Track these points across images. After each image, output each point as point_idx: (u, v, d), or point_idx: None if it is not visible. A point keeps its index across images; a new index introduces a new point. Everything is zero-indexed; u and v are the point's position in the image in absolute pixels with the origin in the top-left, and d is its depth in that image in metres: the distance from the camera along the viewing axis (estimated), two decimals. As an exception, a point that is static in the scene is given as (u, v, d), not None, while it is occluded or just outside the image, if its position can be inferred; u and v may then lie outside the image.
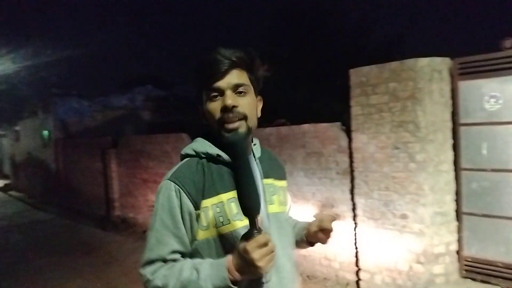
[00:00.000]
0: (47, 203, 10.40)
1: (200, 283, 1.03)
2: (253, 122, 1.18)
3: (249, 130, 1.15)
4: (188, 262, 1.10)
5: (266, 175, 1.24)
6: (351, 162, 3.82)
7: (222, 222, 1.10)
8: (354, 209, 3.84)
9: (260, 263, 0.97)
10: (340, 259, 4.02)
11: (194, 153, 1.20)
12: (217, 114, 1.12)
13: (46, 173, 11.22)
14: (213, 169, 1.16)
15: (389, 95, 3.48)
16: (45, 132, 11.11)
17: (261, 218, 1.11)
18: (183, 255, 1.14)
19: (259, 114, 1.25)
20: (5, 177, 17.00)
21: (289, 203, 1.42)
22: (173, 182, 1.13)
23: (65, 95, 11.25)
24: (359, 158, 3.72)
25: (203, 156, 1.18)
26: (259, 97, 1.25)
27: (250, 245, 0.97)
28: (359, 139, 3.70)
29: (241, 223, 1.10)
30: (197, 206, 1.11)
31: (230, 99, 1.11)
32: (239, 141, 1.07)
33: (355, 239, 3.87)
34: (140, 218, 7.13)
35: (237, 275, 1.02)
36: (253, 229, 0.99)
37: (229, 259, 1.03)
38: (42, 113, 11.57)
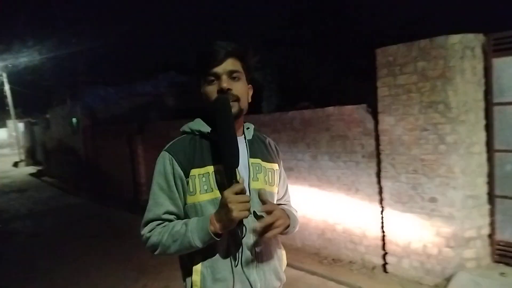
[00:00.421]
0: (78, 188, 10.78)
1: (188, 235, 1.21)
2: (244, 105, 1.34)
3: (240, 111, 1.32)
4: (180, 220, 1.28)
5: (253, 155, 1.39)
6: (378, 145, 3.73)
7: (205, 189, 1.27)
8: (380, 192, 3.77)
9: (233, 206, 1.13)
10: (366, 243, 3.98)
11: (189, 130, 1.38)
12: (214, 96, 1.28)
13: (76, 159, 11.59)
14: (204, 144, 1.33)
15: (417, 74, 3.35)
16: (74, 120, 11.44)
17: (241, 173, 1.26)
18: (177, 216, 1.31)
19: (250, 100, 1.41)
20: (38, 163, 17.70)
21: (282, 186, 1.55)
22: (168, 152, 1.32)
23: (92, 83, 11.51)
24: (386, 140, 3.62)
25: (197, 133, 1.35)
26: (250, 86, 1.40)
27: (227, 191, 1.16)
28: (386, 121, 3.60)
29: (223, 192, 1.22)
30: (186, 174, 1.28)
31: (225, 82, 1.27)
32: (226, 100, 1.25)
33: (382, 222, 3.81)
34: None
35: (217, 226, 1.18)
36: (232, 180, 1.18)
37: (213, 213, 1.21)
38: (70, 101, 11.89)
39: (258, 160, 1.39)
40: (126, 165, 8.39)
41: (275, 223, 1.24)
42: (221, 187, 1.26)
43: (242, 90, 1.32)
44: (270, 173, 1.42)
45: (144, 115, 10.97)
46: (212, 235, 1.18)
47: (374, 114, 3.74)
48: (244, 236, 1.24)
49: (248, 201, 1.17)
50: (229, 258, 1.26)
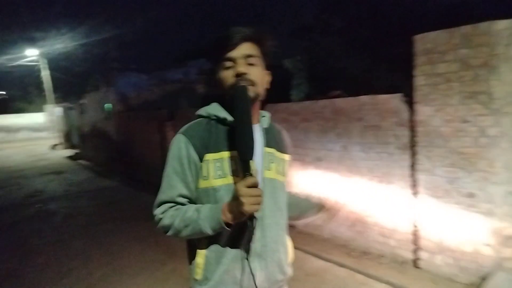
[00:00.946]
0: (111, 171, 11.13)
1: (199, 222, 1.21)
2: (260, 90, 1.32)
3: (256, 96, 1.30)
4: (193, 205, 1.28)
5: (268, 144, 1.37)
6: (413, 136, 3.59)
7: (219, 175, 1.26)
8: (414, 186, 3.64)
9: (244, 200, 1.11)
10: (397, 237, 3.87)
11: (206, 114, 1.37)
12: (230, 80, 1.27)
13: (109, 144, 11.95)
14: (220, 129, 1.31)
15: (459, 63, 3.17)
16: (107, 105, 11.75)
17: (255, 165, 1.25)
18: (190, 200, 1.31)
19: (267, 86, 1.38)
20: (74, 146, 18.39)
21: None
22: (184, 135, 1.31)
23: (125, 70, 11.74)
24: (422, 132, 3.48)
25: (213, 118, 1.34)
26: (267, 71, 1.37)
27: (239, 184, 1.14)
28: (423, 111, 3.45)
29: (236, 179, 1.24)
30: (201, 158, 1.27)
31: (242, 67, 1.26)
32: (244, 88, 1.23)
33: (415, 217, 3.69)
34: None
35: (229, 217, 1.17)
36: (246, 172, 1.16)
37: (226, 203, 1.20)
38: (104, 87, 12.20)
39: (273, 150, 1.38)
40: (157, 151, 8.56)
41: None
42: (235, 174, 1.26)
43: (258, 75, 1.30)
44: (282, 162, 1.42)
45: (175, 102, 11.11)
46: (223, 224, 1.19)
47: (410, 104, 3.59)
48: (254, 228, 1.25)
49: (260, 195, 1.15)
50: (234, 245, 1.27)
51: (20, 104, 37.31)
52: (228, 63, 1.28)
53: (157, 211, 1.31)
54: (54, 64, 24.53)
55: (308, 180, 4.80)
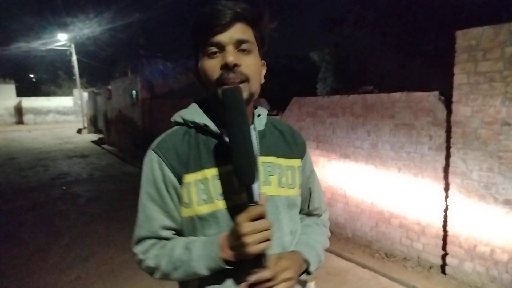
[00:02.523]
0: (134, 157, 11.29)
1: (193, 264, 0.96)
2: (255, 87, 1.01)
3: (250, 95, 1.00)
4: (180, 240, 1.02)
5: (265, 152, 1.06)
6: (448, 137, 3.42)
7: (204, 200, 0.99)
8: (447, 189, 3.48)
9: (248, 239, 0.86)
10: (425, 241, 3.73)
11: (182, 120, 1.07)
12: (215, 73, 0.96)
13: (134, 130, 12.12)
14: (200, 140, 1.03)
15: (504, 61, 2.98)
16: (133, 92, 11.89)
17: (260, 189, 1.00)
18: (175, 231, 1.05)
19: (263, 80, 1.07)
20: (99, 131, 18.79)
21: (307, 184, 1.20)
22: (155, 152, 1.03)
23: (152, 57, 11.82)
24: (459, 133, 3.30)
25: (191, 125, 1.05)
26: (263, 61, 1.08)
27: (241, 217, 0.88)
28: (461, 111, 3.27)
29: (226, 204, 0.98)
30: (180, 180, 1.00)
31: (232, 55, 0.95)
32: (237, 92, 0.93)
33: (445, 221, 3.53)
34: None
35: (229, 254, 0.92)
36: (248, 200, 0.89)
37: (223, 236, 0.94)
38: (131, 74, 12.33)
39: (271, 158, 1.07)
40: (180, 139, 8.59)
41: (277, 276, 0.91)
42: (227, 195, 0.98)
43: (253, 67, 0.99)
44: (289, 172, 1.10)
45: (199, 91, 11.11)
46: (222, 263, 0.93)
47: (447, 103, 3.42)
48: (264, 265, 0.92)
49: (270, 228, 0.89)
50: (235, 281, 0.99)
51: (50, 87, 38.46)
52: (213, 49, 0.96)
53: (137, 250, 1.05)
54: (82, 49, 25.05)
55: (333, 177, 4.69)
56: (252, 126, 1.07)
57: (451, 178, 3.41)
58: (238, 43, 0.97)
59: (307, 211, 1.24)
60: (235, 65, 0.95)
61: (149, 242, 1.04)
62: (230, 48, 0.95)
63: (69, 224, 5.43)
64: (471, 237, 3.31)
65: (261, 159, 1.04)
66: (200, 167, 1.00)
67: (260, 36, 1.03)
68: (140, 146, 11.46)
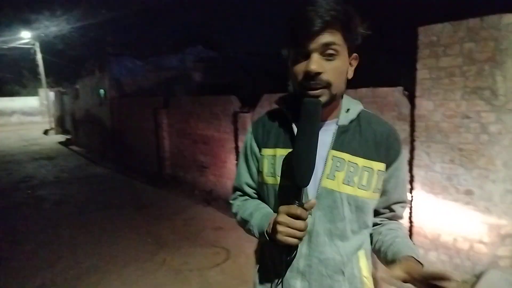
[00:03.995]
0: (104, 158, 11.00)
1: (250, 227, 1.19)
2: (339, 88, 1.08)
3: (331, 98, 1.06)
4: (254, 204, 1.24)
5: (339, 147, 1.11)
6: (412, 131, 3.51)
7: (271, 172, 1.16)
8: (411, 181, 3.57)
9: (280, 229, 1.00)
10: (392, 232, 3.82)
11: (277, 105, 1.24)
12: (299, 77, 1.04)
13: (102, 130, 11.79)
14: (282, 124, 1.19)
15: (463, 57, 3.08)
16: (101, 91, 11.56)
17: (312, 195, 1.11)
18: (256, 190, 1.28)
19: (351, 76, 1.13)
20: (66, 132, 18.18)
21: (391, 193, 1.18)
22: (252, 125, 1.29)
23: (120, 55, 11.52)
24: (422, 127, 3.40)
25: (283, 110, 1.20)
26: (354, 55, 1.11)
27: (283, 208, 1.01)
28: (423, 106, 3.36)
29: (284, 181, 1.12)
30: (260, 152, 1.21)
31: (315, 64, 1.00)
32: (315, 110, 1.02)
33: (410, 213, 3.63)
34: (189, 178, 7.30)
35: (270, 230, 1.08)
36: (295, 200, 1.00)
37: (274, 216, 1.09)
38: (99, 72, 11.98)
39: (344, 155, 1.10)
40: (151, 138, 8.44)
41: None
42: (284, 175, 1.12)
43: (337, 72, 1.04)
44: (366, 173, 1.10)
45: (170, 89, 10.94)
46: (267, 237, 1.11)
47: (411, 98, 3.51)
48: (292, 258, 1.12)
49: (302, 229, 0.99)
50: (279, 256, 1.12)
51: (13, 87, 36.80)
52: (299, 54, 1.03)
53: (231, 196, 1.36)
54: (49, 47, 24.13)
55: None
56: (334, 121, 1.14)
57: (415, 171, 3.51)
58: (325, 47, 1.01)
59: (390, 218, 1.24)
60: (317, 74, 1.01)
61: (238, 192, 1.33)
62: (315, 56, 1.01)
63: (33, 229, 5.22)
64: (435, 227, 3.41)
65: (332, 153, 1.11)
66: (274, 144, 1.18)
67: (350, 36, 1.06)
68: (109, 146, 11.17)
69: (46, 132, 20.34)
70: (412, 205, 3.58)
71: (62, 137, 17.37)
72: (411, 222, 3.62)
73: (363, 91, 3.92)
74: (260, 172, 1.21)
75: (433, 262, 3.45)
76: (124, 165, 9.72)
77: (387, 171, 1.14)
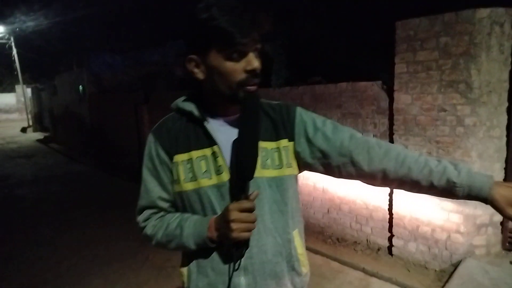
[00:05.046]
0: (83, 155, 10.80)
1: (183, 239, 1.11)
2: None
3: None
4: (176, 216, 1.16)
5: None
6: (391, 124, 3.56)
7: (190, 178, 1.12)
8: (391, 174, 3.63)
9: (235, 226, 1.00)
10: (372, 224, 3.89)
11: (176, 107, 1.21)
12: (239, 76, 1.04)
13: (82, 127, 11.57)
14: (189, 125, 1.16)
15: (439, 51, 3.13)
16: (80, 87, 11.32)
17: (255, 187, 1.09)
18: (171, 203, 1.20)
19: None
20: (45, 129, 17.77)
21: (343, 140, 1.15)
22: (153, 134, 1.19)
23: (99, 50, 11.29)
24: (400, 120, 3.45)
25: (184, 112, 1.18)
26: None
27: (232, 205, 1.01)
28: (401, 99, 3.41)
29: (208, 182, 1.10)
30: (171, 159, 1.14)
31: (256, 61, 1.05)
32: (256, 105, 1.08)
33: (390, 204, 3.70)
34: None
35: (215, 235, 1.06)
36: (242, 194, 1.02)
37: (213, 218, 1.08)
38: (77, 68, 11.72)
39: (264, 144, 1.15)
40: (132, 134, 8.32)
41: None
42: (209, 175, 1.10)
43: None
44: (276, 154, 1.14)
45: (151, 84, 10.80)
46: (208, 242, 1.08)
47: (390, 92, 3.55)
48: (244, 252, 1.08)
49: (253, 222, 1.02)
50: (220, 258, 1.12)
51: (-12, 83, 35.67)
52: (236, 53, 1.02)
53: (139, 218, 1.22)
54: (26, 42, 23.43)
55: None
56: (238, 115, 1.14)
57: (394, 164, 3.56)
58: (257, 46, 1.05)
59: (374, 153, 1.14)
60: (258, 71, 1.06)
61: (149, 211, 1.20)
62: (253, 55, 1.04)
63: (11, 230, 5.10)
64: (414, 218, 3.49)
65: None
66: (187, 149, 1.13)
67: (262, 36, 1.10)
68: (89, 143, 10.97)
69: (23, 129, 19.84)
70: (392, 197, 3.65)
71: (40, 135, 16.98)
72: (391, 214, 3.69)
73: (343, 85, 3.95)
74: (175, 181, 1.14)
75: (413, 252, 3.53)
76: (104, 162, 9.57)
77: (300, 140, 1.15)
